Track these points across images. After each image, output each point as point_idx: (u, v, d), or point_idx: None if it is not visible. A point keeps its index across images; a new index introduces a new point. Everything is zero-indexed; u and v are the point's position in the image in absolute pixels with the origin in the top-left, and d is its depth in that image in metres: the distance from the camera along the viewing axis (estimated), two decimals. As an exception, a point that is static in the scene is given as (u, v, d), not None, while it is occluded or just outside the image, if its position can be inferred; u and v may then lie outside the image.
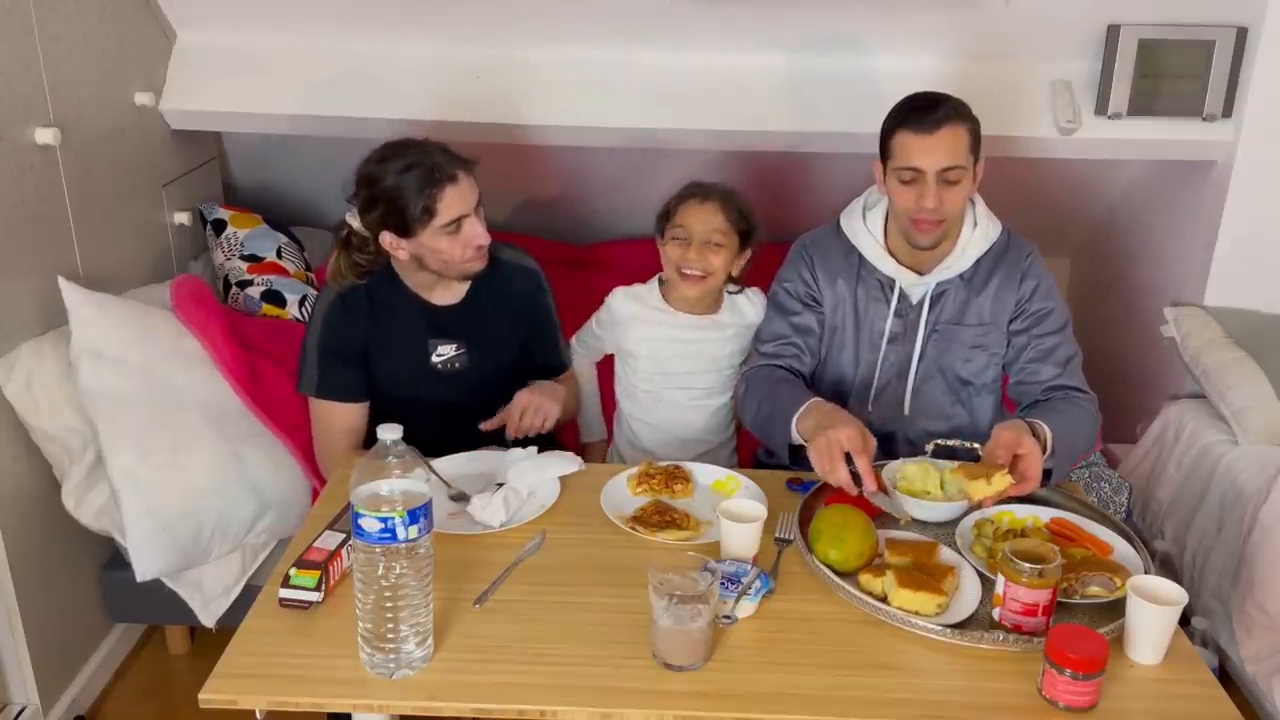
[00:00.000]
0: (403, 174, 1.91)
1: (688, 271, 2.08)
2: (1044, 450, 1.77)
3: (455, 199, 1.93)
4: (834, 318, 2.07)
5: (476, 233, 1.98)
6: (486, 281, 2.10)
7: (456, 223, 1.95)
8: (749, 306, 2.18)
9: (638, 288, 2.21)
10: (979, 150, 1.93)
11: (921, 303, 2.01)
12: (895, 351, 2.04)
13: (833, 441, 1.69)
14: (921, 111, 1.88)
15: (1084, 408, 1.96)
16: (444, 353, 2.08)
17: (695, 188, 2.12)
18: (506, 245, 2.18)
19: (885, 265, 2.02)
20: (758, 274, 2.22)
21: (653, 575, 1.41)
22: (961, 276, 2.01)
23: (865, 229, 2.03)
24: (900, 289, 2.02)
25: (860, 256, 2.04)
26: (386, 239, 1.98)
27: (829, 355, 2.09)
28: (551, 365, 2.23)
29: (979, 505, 1.72)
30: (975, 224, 2.01)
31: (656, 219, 2.15)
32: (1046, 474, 1.83)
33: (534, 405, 2.02)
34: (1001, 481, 1.66)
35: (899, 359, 2.05)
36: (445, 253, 1.97)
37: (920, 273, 2.01)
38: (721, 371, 2.18)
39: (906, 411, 2.05)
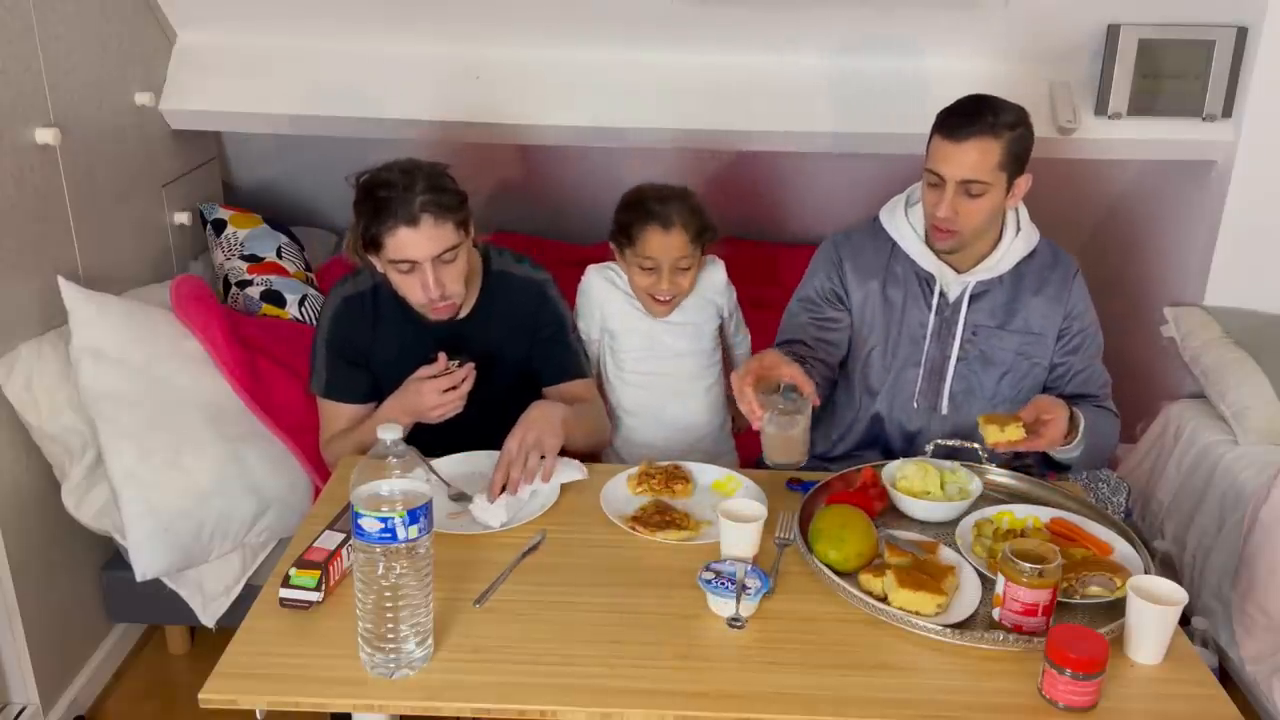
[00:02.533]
0: (376, 195, 1.87)
1: (661, 298, 2.11)
2: (1077, 435, 1.85)
3: (408, 242, 1.85)
4: (861, 316, 2.06)
5: (426, 283, 1.89)
6: (493, 295, 2.07)
7: (409, 265, 1.89)
8: (713, 272, 2.21)
9: (611, 265, 2.20)
10: (1020, 165, 1.90)
11: (960, 301, 2.00)
12: (935, 349, 2.03)
13: (737, 377, 1.73)
14: (957, 118, 1.87)
15: (1113, 421, 2.03)
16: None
17: (653, 212, 2.05)
18: (516, 257, 2.14)
19: (926, 261, 2.00)
20: (755, 274, 2.22)
21: (760, 395, 1.71)
22: (1001, 279, 2.00)
23: (908, 223, 2.02)
24: (940, 287, 2.01)
25: (895, 255, 2.04)
26: (362, 245, 1.96)
27: (859, 351, 2.08)
28: (561, 366, 2.13)
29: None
30: (1020, 229, 2.00)
31: (614, 232, 2.12)
32: (1066, 466, 1.94)
33: (526, 445, 1.82)
34: (1015, 432, 1.77)
35: (938, 357, 2.03)
36: (399, 287, 1.94)
37: (959, 270, 2.00)
38: (703, 341, 2.19)
39: (944, 411, 2.04)
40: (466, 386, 1.94)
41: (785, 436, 1.74)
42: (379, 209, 1.87)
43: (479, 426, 1.99)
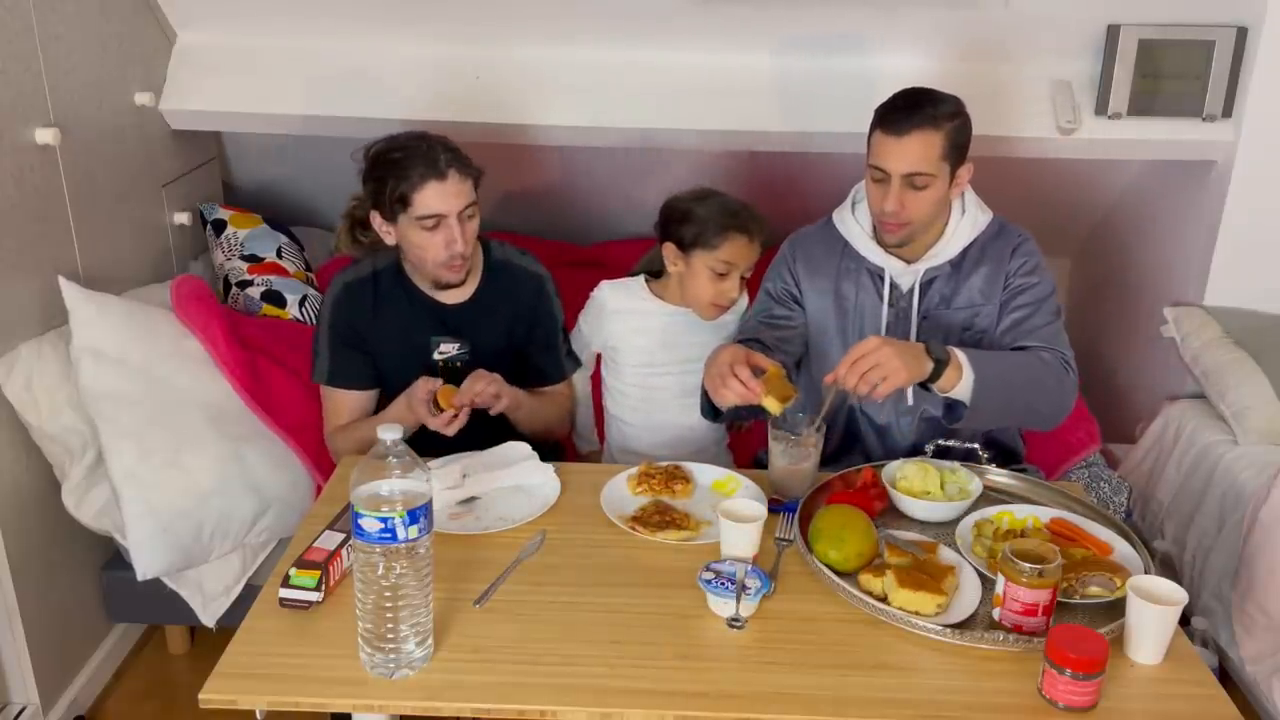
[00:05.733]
0: (397, 156, 1.93)
1: (728, 304, 2.10)
2: (949, 369, 1.79)
3: (435, 195, 1.92)
4: (815, 315, 2.08)
5: (452, 237, 1.95)
6: (494, 283, 2.10)
7: (436, 220, 1.94)
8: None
9: (625, 281, 2.21)
10: (961, 154, 1.92)
11: (912, 291, 2.02)
12: None
13: (717, 364, 1.76)
14: (897, 113, 1.88)
15: (1043, 359, 1.92)
16: (446, 350, 2.08)
17: (738, 217, 2.05)
18: (519, 250, 2.17)
19: (874, 255, 2.03)
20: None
21: (772, 429, 1.78)
22: (950, 263, 2.01)
23: (854, 220, 2.05)
24: (890, 279, 2.02)
25: (848, 251, 2.06)
26: (376, 219, 2.00)
27: (820, 351, 2.09)
28: (545, 372, 2.19)
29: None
30: (964, 211, 2.01)
31: (683, 234, 2.06)
32: (955, 409, 1.87)
33: (488, 387, 1.94)
34: (774, 405, 1.73)
35: None
36: (420, 248, 1.97)
37: (908, 261, 2.01)
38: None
39: (910, 401, 2.05)
40: (463, 418, 1.95)
41: (795, 469, 1.79)
42: (404, 167, 1.92)
43: (475, 411, 2.02)
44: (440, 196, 1.93)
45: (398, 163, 1.93)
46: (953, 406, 1.90)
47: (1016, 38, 2.67)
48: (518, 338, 2.15)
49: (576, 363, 2.24)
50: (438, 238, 1.95)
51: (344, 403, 2.10)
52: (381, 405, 2.11)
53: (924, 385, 1.82)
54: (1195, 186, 2.86)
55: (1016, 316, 1.99)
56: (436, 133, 2.00)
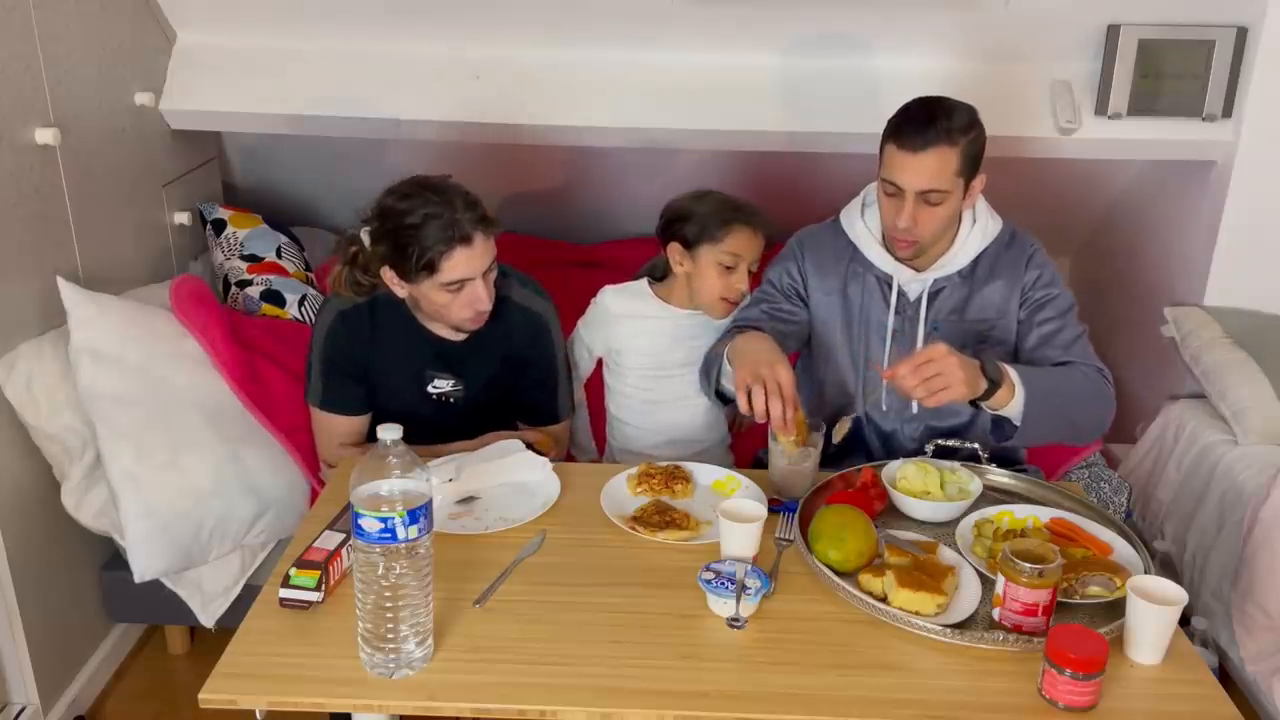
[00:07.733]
0: (418, 220, 1.85)
1: (735, 298, 2.09)
2: (1002, 388, 1.77)
3: (462, 261, 1.87)
4: (821, 315, 2.06)
5: (478, 297, 1.91)
6: (493, 320, 2.03)
7: (459, 283, 1.90)
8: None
9: (629, 286, 2.21)
10: (976, 166, 1.88)
11: (919, 300, 2.00)
12: (899, 349, 2.01)
13: (768, 379, 1.71)
14: (912, 127, 1.83)
15: (1084, 373, 1.93)
16: (440, 385, 2.07)
17: (743, 211, 2.06)
18: (521, 283, 2.11)
19: (883, 262, 2.00)
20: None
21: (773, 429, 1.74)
22: (960, 274, 1.98)
23: (864, 225, 2.02)
24: (899, 286, 2.00)
25: (856, 253, 2.03)
26: (387, 274, 1.94)
27: (825, 353, 2.08)
28: (537, 410, 2.15)
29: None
30: (975, 221, 1.98)
31: (687, 231, 2.07)
32: (1003, 427, 1.86)
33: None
34: (790, 446, 1.76)
35: (902, 356, 2.01)
36: (442, 306, 1.93)
37: (918, 269, 1.99)
38: None
39: (915, 410, 2.03)
40: None
41: (796, 470, 1.79)
42: (426, 235, 1.85)
43: (475, 430, 2.02)
44: (468, 262, 1.87)
45: (419, 229, 1.84)
46: (1000, 424, 1.88)
47: (1016, 38, 2.67)
48: (508, 376, 2.10)
49: (573, 408, 2.23)
50: (462, 298, 1.91)
51: (337, 427, 2.10)
52: (374, 421, 2.08)
53: (974, 403, 1.81)
54: (1195, 186, 2.86)
55: (1046, 331, 1.97)
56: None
